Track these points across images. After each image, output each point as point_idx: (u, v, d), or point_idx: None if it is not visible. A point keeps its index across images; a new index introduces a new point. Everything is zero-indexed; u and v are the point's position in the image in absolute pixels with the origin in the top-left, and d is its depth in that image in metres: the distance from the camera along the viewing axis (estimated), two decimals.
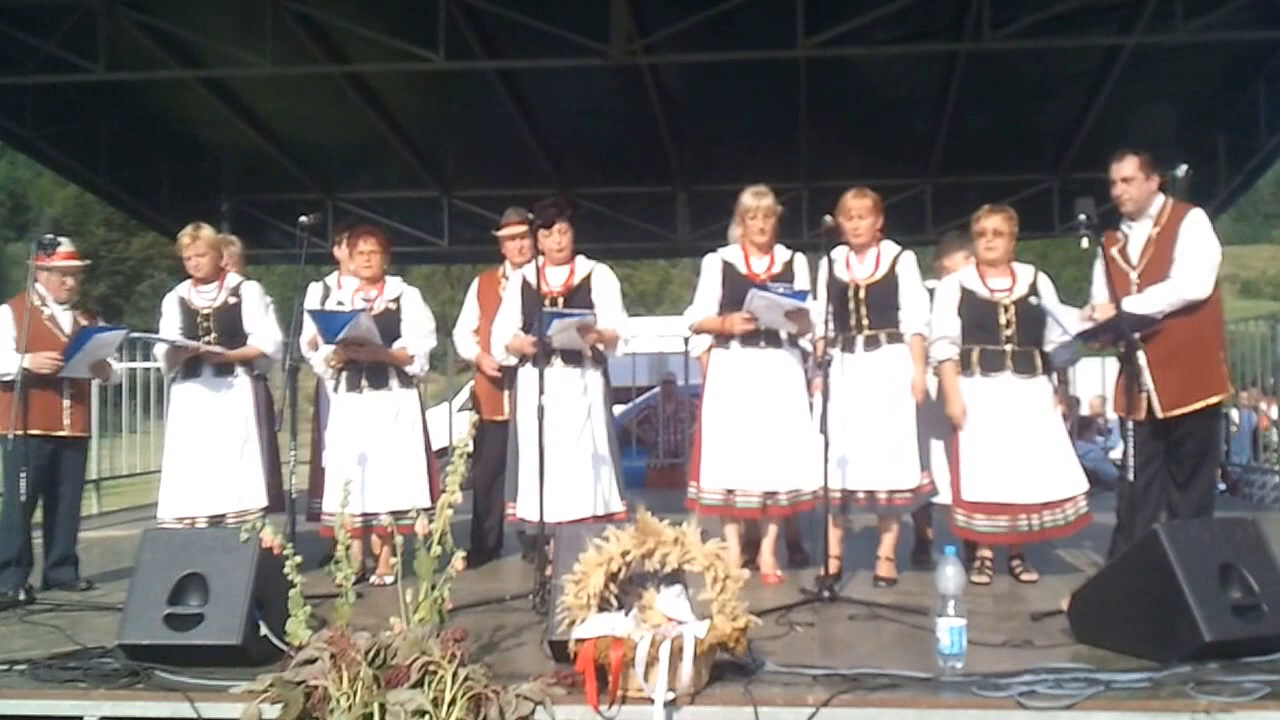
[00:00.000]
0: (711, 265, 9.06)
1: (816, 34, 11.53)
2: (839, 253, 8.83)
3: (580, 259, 9.16)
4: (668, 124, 14.91)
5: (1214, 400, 8.28)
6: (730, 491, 8.75)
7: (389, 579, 8.69)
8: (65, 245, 9.35)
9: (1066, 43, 12.63)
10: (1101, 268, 8.40)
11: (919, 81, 14.39)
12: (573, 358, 8.82)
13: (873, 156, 15.67)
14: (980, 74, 13.52)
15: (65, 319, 9.29)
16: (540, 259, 8.57)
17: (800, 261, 8.93)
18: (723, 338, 8.92)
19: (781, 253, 8.95)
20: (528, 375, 8.74)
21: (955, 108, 14.32)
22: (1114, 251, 8.31)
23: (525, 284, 8.91)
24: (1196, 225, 8.24)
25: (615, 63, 11.94)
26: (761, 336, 8.75)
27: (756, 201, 8.80)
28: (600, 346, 9.00)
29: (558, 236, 8.97)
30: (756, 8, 11.40)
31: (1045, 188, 15.50)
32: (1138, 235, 8.14)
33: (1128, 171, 8.23)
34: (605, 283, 9.08)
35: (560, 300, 8.82)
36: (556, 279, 8.92)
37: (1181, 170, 15.26)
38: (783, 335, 8.76)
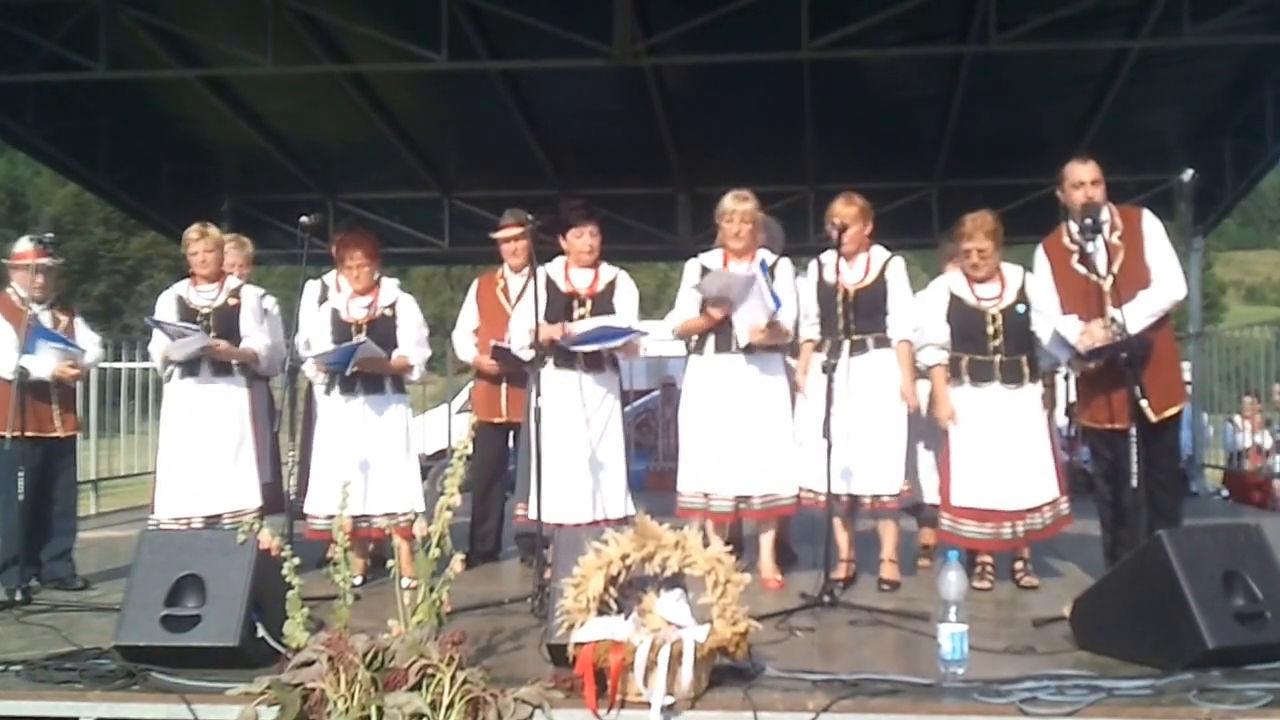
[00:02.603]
0: (691, 270, 9.10)
1: (821, 36, 11.48)
2: (828, 257, 8.84)
3: (604, 264, 9.22)
4: (670, 126, 14.88)
5: (1185, 402, 8.36)
6: (707, 495, 8.79)
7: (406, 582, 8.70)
8: (24, 244, 9.34)
9: (1072, 46, 12.58)
10: (1049, 279, 8.39)
11: (924, 84, 14.35)
12: (594, 361, 8.85)
13: (878, 159, 15.65)
14: (986, 77, 13.48)
15: (44, 318, 9.26)
16: (563, 258, 8.62)
17: (783, 266, 8.93)
18: (699, 344, 8.94)
19: (764, 257, 8.92)
20: (549, 376, 8.77)
21: (961, 111, 14.27)
22: (1074, 263, 8.26)
23: (550, 282, 8.93)
24: (1157, 226, 8.27)
25: (618, 64, 11.89)
26: (735, 342, 8.75)
27: (735, 205, 8.81)
28: (622, 354, 9.07)
29: (588, 239, 9.03)
30: (761, 9, 11.35)
31: (1051, 192, 15.23)
32: (1097, 242, 8.04)
33: (1097, 174, 8.18)
34: (628, 290, 9.15)
35: (589, 302, 8.89)
36: (581, 281, 8.93)
37: (1187, 175, 15.27)
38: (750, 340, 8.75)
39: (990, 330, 8.59)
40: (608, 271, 9.16)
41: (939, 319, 8.74)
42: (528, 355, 8.88)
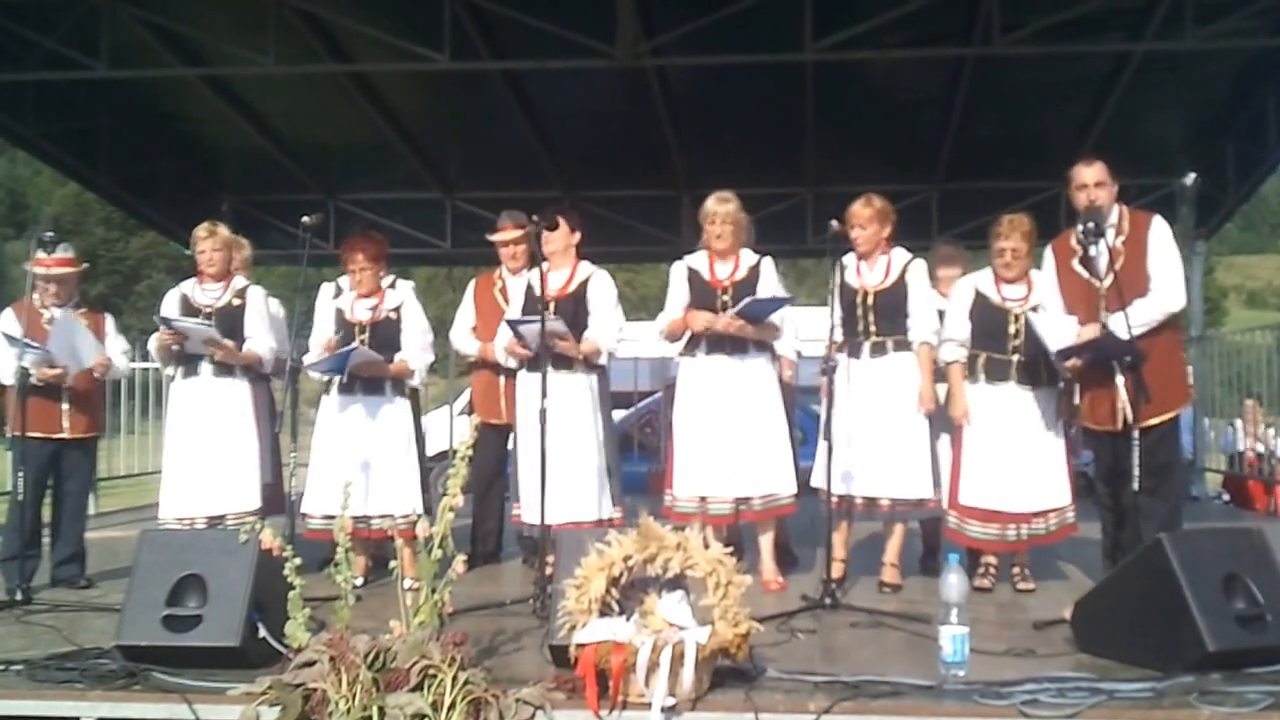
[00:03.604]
0: (678, 272, 9.09)
1: (824, 37, 11.48)
2: (850, 259, 8.84)
3: (583, 264, 9.14)
4: (673, 127, 14.89)
5: (1182, 409, 8.30)
6: (704, 499, 8.75)
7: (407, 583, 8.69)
8: (60, 250, 9.28)
9: (1075, 48, 12.57)
10: (1053, 279, 8.41)
11: (926, 86, 14.34)
12: (561, 362, 8.75)
13: (879, 161, 15.63)
14: (988, 79, 13.50)
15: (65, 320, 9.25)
16: (545, 264, 8.61)
17: (767, 266, 8.95)
18: (690, 346, 8.96)
19: (747, 257, 8.95)
20: (525, 379, 8.87)
21: (963, 113, 14.29)
22: (1075, 264, 8.27)
23: (529, 288, 8.94)
24: (1165, 233, 8.21)
25: (621, 65, 11.89)
26: (728, 343, 8.75)
27: (717, 207, 8.83)
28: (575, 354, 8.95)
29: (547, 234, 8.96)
30: (764, 11, 11.35)
31: (1052, 195, 15.30)
32: (1100, 246, 8.05)
33: (1101, 176, 8.16)
34: (599, 289, 9.05)
35: (552, 305, 8.75)
36: (556, 282, 8.88)
37: (1189, 179, 15.25)
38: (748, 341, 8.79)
39: (1012, 330, 8.61)
40: (583, 271, 9.11)
41: (961, 316, 8.76)
42: (514, 365, 9.08)
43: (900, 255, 8.92)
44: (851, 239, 8.77)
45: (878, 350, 8.75)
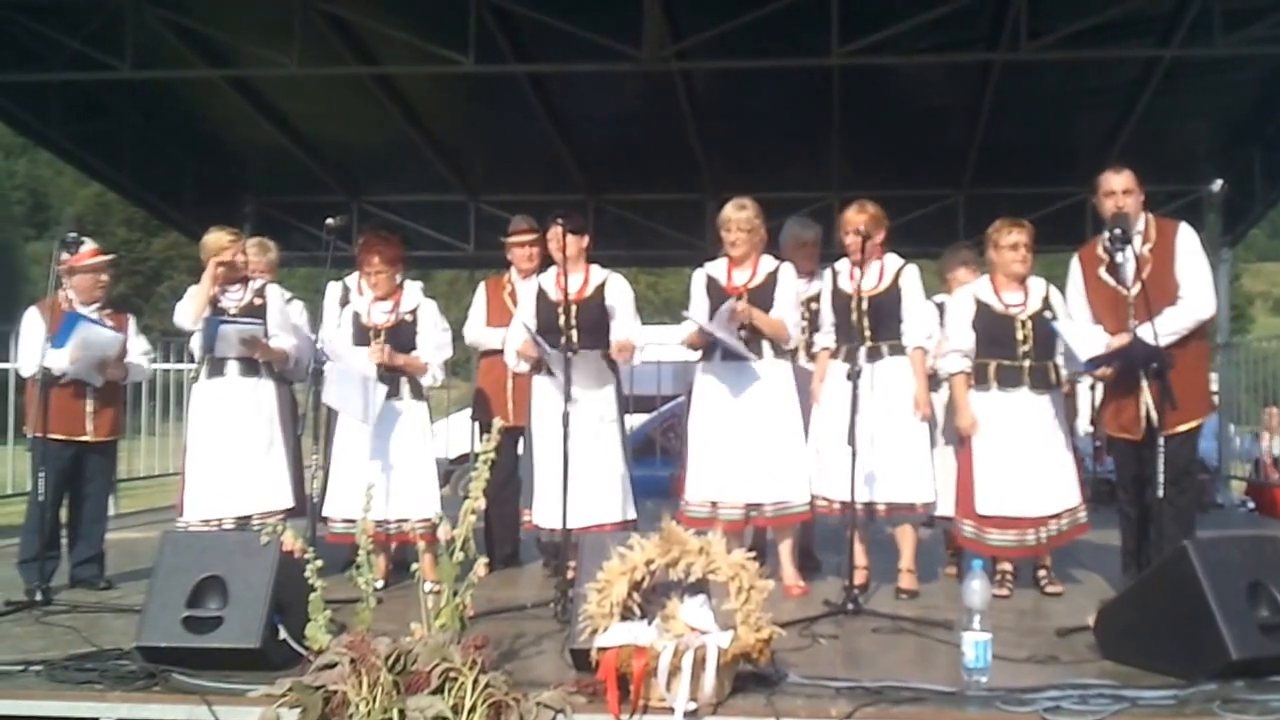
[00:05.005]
0: (697, 280, 9.08)
1: (851, 42, 11.45)
2: (843, 265, 8.87)
3: (594, 267, 9.14)
4: (698, 131, 14.86)
5: (1203, 420, 8.26)
6: (715, 504, 8.72)
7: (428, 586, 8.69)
8: (88, 244, 9.28)
9: (1103, 54, 12.54)
10: (1080, 289, 8.42)
11: (953, 91, 14.29)
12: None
13: (906, 166, 15.61)
14: (1015, 85, 13.43)
15: (93, 319, 9.24)
16: (557, 267, 8.61)
17: (785, 272, 8.90)
18: (708, 352, 8.93)
19: (766, 264, 8.91)
20: (541, 383, 8.87)
21: (989, 119, 14.23)
22: (1102, 272, 8.25)
23: (540, 291, 8.95)
24: (1193, 241, 8.25)
25: (647, 68, 11.87)
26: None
27: (731, 214, 8.81)
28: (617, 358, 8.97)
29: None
30: (790, 15, 11.33)
31: (1079, 200, 15.29)
32: (1126, 253, 8.01)
33: (1128, 183, 8.17)
34: (619, 292, 9.06)
35: (574, 308, 8.76)
36: (571, 286, 8.84)
37: (1216, 185, 15.20)
38: (765, 347, 8.76)
39: (1020, 336, 8.59)
40: (597, 275, 9.11)
41: (964, 327, 8.74)
42: (518, 367, 9.10)
43: (893, 260, 8.95)
44: (846, 245, 8.78)
45: (872, 355, 8.74)
